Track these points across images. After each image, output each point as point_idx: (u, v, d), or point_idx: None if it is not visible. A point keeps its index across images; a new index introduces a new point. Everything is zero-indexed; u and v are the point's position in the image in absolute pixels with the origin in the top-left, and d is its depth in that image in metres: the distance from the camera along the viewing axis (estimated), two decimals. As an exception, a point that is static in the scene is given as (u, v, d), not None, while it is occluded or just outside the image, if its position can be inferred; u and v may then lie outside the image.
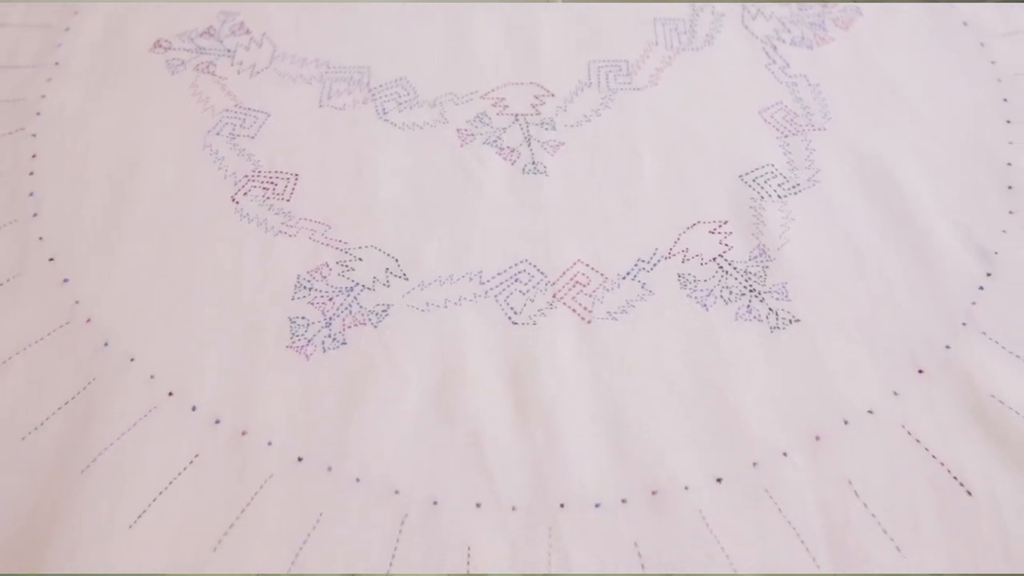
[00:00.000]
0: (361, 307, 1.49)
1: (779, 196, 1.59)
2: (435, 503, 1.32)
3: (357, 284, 1.52)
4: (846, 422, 1.37)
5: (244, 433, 1.38)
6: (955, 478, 1.31)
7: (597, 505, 1.32)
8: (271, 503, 1.32)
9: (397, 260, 1.54)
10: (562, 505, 1.32)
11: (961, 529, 1.28)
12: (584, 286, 1.51)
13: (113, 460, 1.35)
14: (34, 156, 1.68)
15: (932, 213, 1.56)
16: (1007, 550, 1.27)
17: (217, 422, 1.39)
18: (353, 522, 1.31)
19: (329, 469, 1.35)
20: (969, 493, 1.30)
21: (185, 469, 1.35)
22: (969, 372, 1.40)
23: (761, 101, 1.73)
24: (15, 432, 1.38)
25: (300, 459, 1.35)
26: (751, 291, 1.49)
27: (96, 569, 1.27)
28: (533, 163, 1.65)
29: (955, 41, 1.80)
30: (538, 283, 1.51)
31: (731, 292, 1.50)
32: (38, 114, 1.74)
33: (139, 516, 1.31)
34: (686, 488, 1.33)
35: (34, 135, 1.71)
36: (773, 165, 1.63)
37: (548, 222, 1.58)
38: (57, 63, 1.82)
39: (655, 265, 1.53)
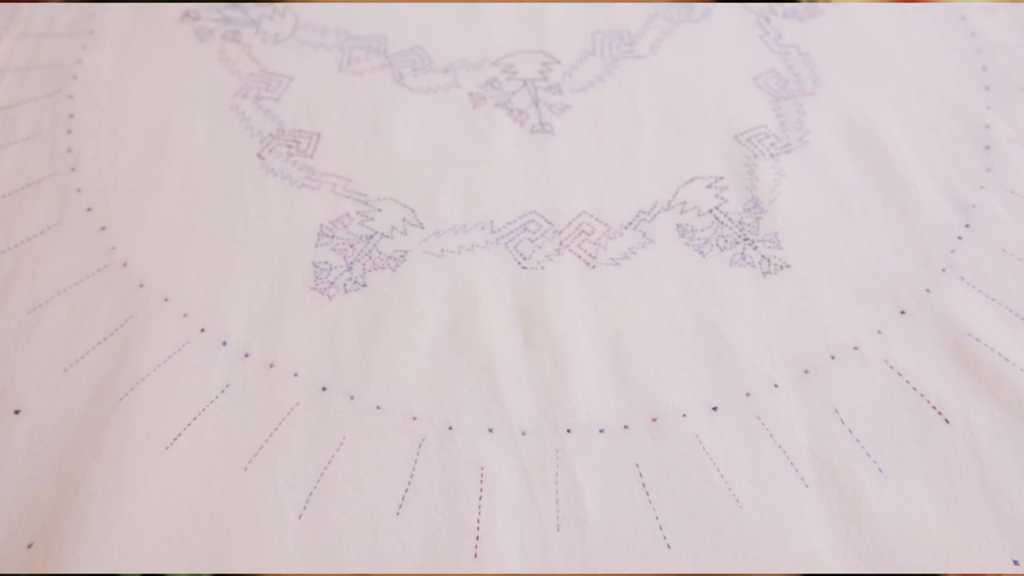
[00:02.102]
0: (380, 253, 1.59)
1: (771, 154, 1.69)
2: (450, 428, 1.41)
3: (376, 232, 1.62)
4: (833, 357, 1.46)
5: (272, 365, 1.47)
6: (934, 407, 1.41)
7: (601, 431, 1.41)
8: (298, 428, 1.41)
9: (413, 210, 1.64)
10: (568, 430, 1.41)
11: (939, 453, 1.38)
12: (589, 235, 1.61)
13: (150, 389, 1.44)
14: (71, 116, 1.78)
15: (914, 170, 1.66)
16: (981, 472, 1.36)
17: (246, 355, 1.48)
18: (374, 446, 1.40)
19: (352, 397, 1.44)
20: (947, 421, 1.40)
21: (216, 397, 1.44)
22: (947, 313, 1.50)
23: (755, 68, 1.84)
24: (58, 365, 1.47)
25: (324, 388, 1.45)
26: (745, 240, 1.59)
27: (138, 485, 1.36)
28: (541, 123, 1.76)
29: (938, 15, 1.91)
30: (546, 232, 1.61)
31: (726, 241, 1.60)
32: (75, 78, 1.84)
33: (175, 439, 1.40)
34: (684, 416, 1.42)
35: (71, 97, 1.81)
36: (766, 126, 1.73)
37: (555, 177, 1.68)
38: (92, 31, 1.92)
39: (655, 216, 1.63)
